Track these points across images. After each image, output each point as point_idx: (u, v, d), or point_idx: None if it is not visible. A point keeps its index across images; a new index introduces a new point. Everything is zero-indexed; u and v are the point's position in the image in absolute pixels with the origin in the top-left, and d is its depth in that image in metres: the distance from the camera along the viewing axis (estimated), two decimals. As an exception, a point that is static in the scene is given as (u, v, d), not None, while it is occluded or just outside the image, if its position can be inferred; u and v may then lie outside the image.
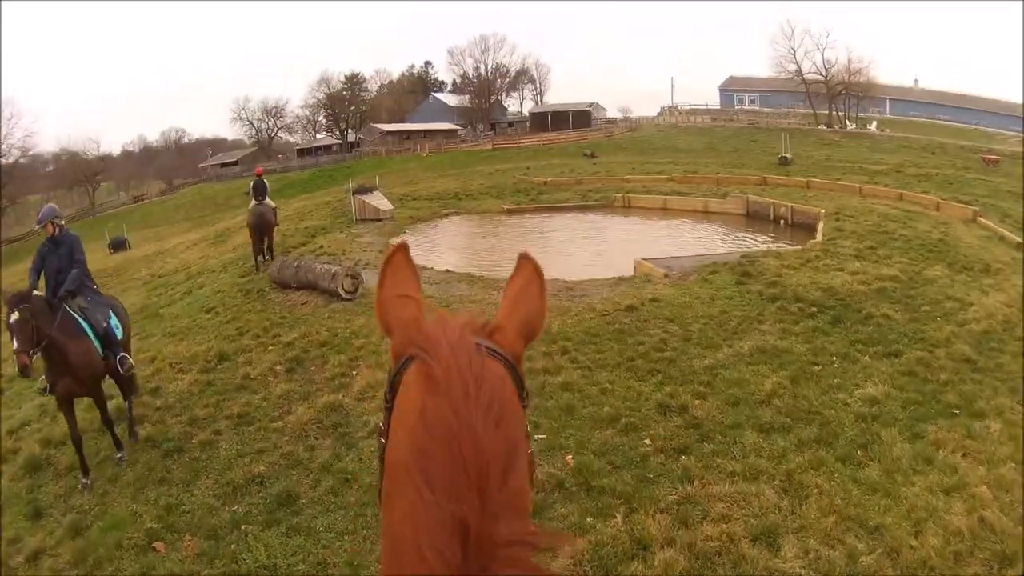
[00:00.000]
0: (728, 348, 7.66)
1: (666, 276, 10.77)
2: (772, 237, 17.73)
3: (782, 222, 19.36)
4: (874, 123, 43.96)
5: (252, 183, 15.00)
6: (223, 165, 70.20)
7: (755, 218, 20.44)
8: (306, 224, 21.61)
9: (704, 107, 65.43)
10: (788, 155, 30.03)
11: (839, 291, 9.75)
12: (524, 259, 0.98)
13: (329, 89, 72.56)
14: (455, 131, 71.13)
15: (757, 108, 63.92)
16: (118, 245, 35.93)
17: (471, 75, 75.10)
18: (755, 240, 17.46)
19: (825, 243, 13.64)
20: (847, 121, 45.44)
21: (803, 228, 18.56)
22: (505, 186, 29.54)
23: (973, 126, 45.21)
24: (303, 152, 71.66)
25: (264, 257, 14.23)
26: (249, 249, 15.02)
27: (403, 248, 0.98)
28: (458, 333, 0.78)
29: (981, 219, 17.41)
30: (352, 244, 16.49)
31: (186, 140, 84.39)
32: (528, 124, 74.35)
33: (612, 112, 77.12)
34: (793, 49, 50.78)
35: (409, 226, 20.24)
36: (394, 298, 0.92)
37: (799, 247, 13.69)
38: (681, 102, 69.95)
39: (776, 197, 21.53)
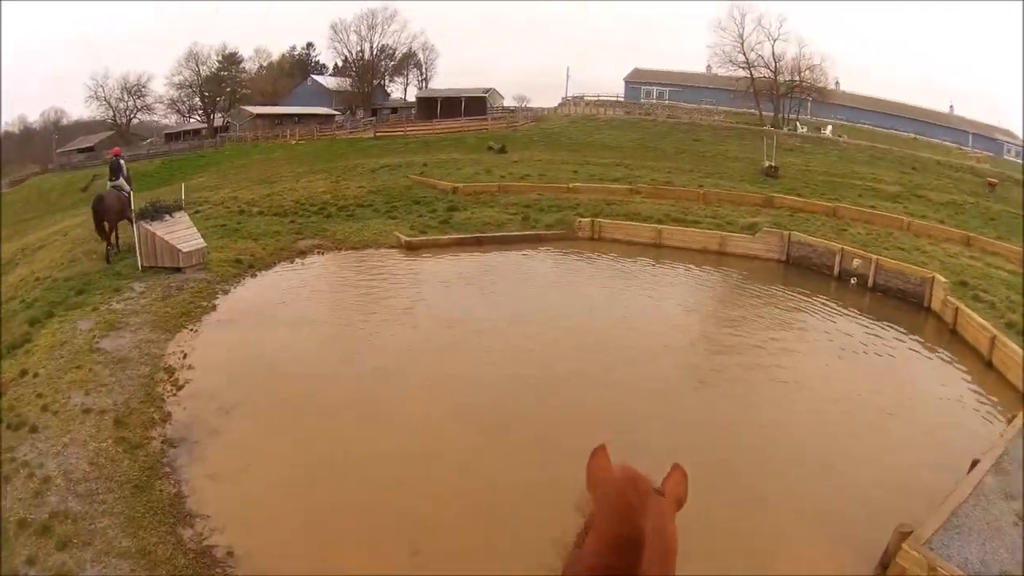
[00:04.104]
0: None
1: None
2: (888, 322, 10.62)
3: (853, 280, 12.30)
4: (829, 127, 39.01)
5: (109, 162, 14.12)
6: (80, 151, 59.45)
7: (800, 267, 13.31)
8: (70, 271, 11.98)
9: (615, 99, 58.98)
10: (774, 163, 23.47)
11: None
12: (675, 469, 1.14)
13: (198, 66, 62.65)
14: (332, 116, 60.94)
15: (667, 102, 58.54)
16: None
17: (354, 54, 65.45)
18: (877, 336, 10.31)
19: None
20: (798, 124, 40.05)
21: (895, 296, 11.61)
22: (395, 192, 20.81)
23: (911, 135, 41.81)
24: (171, 136, 60.87)
25: (115, 249, 12.41)
26: None
27: (602, 450, 1.13)
28: (639, 484, 1.00)
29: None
30: (82, 370, 7.37)
31: (65, 122, 71.04)
32: (414, 110, 65.20)
33: (508, 101, 69.97)
34: (742, 37, 43.80)
35: (229, 284, 10.93)
36: (597, 470, 1.10)
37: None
38: (584, 93, 63.45)
39: (804, 229, 14.61)
